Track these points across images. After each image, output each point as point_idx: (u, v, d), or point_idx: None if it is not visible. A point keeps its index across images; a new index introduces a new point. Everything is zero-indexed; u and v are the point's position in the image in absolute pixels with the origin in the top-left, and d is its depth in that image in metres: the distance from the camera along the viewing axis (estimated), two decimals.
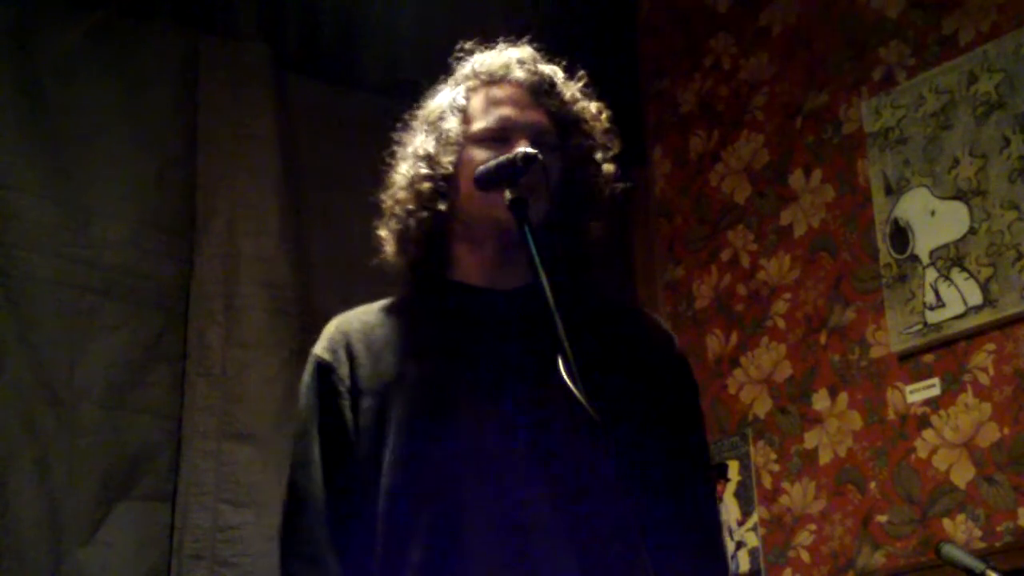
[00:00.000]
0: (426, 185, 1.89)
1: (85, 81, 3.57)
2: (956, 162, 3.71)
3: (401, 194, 1.92)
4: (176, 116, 3.72)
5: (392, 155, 1.98)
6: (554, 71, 1.98)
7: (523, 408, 1.81)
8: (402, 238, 1.92)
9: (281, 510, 1.92)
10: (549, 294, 1.68)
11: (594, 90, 2.00)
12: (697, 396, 1.97)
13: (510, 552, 1.74)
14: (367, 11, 4.12)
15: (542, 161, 1.81)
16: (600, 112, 1.99)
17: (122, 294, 3.46)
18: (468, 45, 2.02)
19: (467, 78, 1.97)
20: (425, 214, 1.89)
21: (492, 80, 1.94)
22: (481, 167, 1.85)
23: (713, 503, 1.93)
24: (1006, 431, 3.48)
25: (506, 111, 1.90)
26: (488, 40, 2.04)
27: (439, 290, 1.94)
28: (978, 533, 3.46)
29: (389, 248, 1.95)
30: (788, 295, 4.09)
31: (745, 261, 4.24)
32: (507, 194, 1.79)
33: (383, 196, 1.95)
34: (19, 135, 3.41)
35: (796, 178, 4.15)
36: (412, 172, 1.91)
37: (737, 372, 4.16)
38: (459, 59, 2.02)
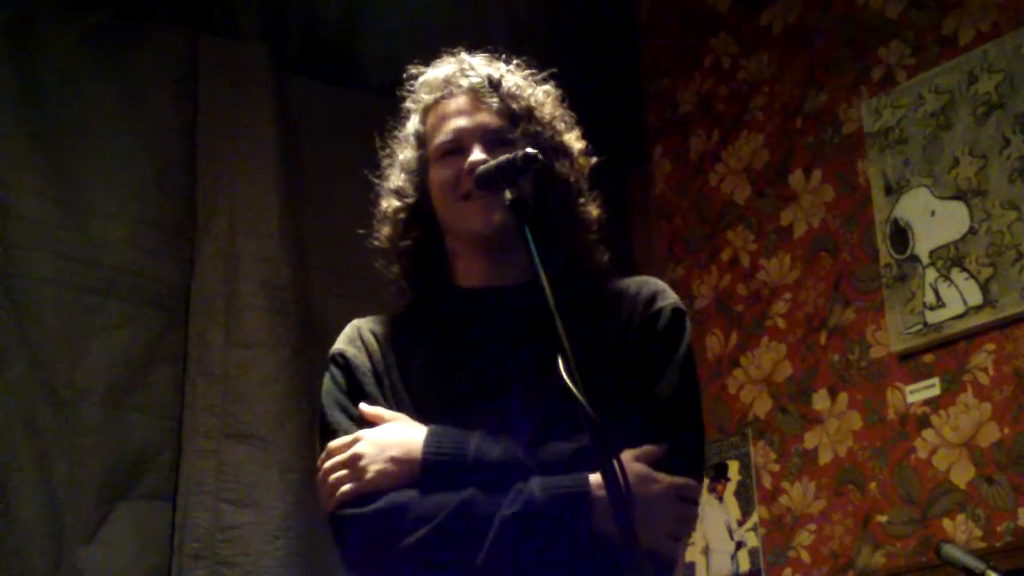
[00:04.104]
0: (401, 216, 2.00)
1: (85, 81, 3.57)
2: (956, 162, 3.71)
3: (385, 229, 2.02)
4: (176, 116, 3.72)
5: (379, 178, 2.07)
6: (496, 67, 2.02)
7: (523, 406, 1.83)
8: (399, 266, 2.01)
9: None
10: (549, 294, 1.68)
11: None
12: (674, 348, 1.92)
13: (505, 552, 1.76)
14: (367, 11, 4.12)
15: (542, 160, 1.83)
16: (548, 95, 2.03)
17: (122, 294, 3.47)
18: (414, 69, 2.07)
19: (417, 102, 2.03)
20: (407, 243, 1.99)
21: (440, 96, 1.99)
22: (482, 167, 1.87)
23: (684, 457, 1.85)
24: (1006, 431, 3.49)
25: (456, 122, 1.96)
26: (446, 51, 2.08)
27: (443, 296, 1.99)
28: (978, 533, 3.47)
29: (392, 272, 2.04)
30: (788, 295, 4.09)
31: (745, 261, 4.24)
32: (507, 194, 1.80)
33: (374, 233, 2.05)
34: (19, 135, 3.42)
35: (796, 178, 4.15)
36: (388, 206, 2.02)
37: (737, 372, 4.16)
38: (410, 84, 2.07)
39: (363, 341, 1.96)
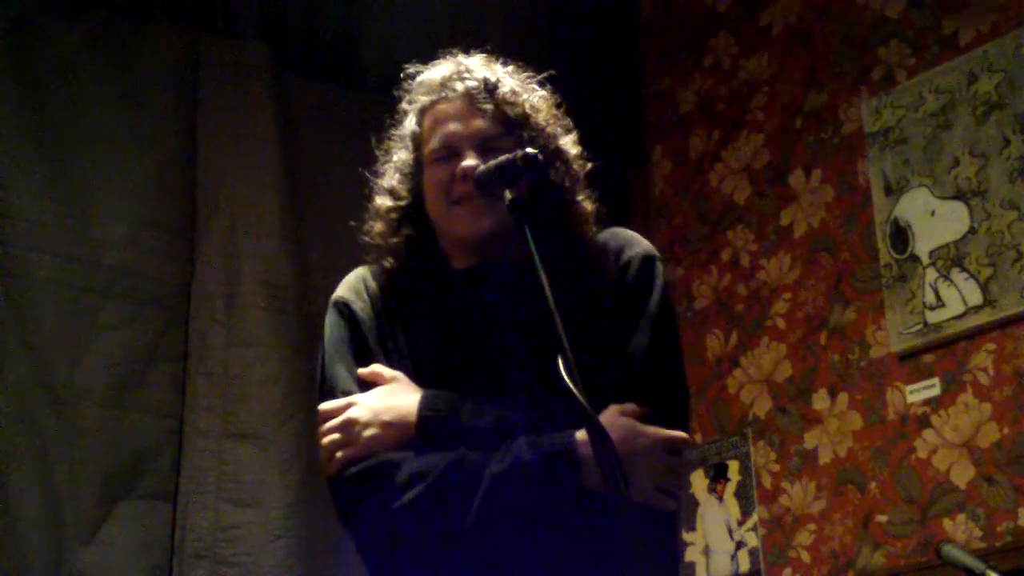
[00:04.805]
0: (392, 216, 2.01)
1: (85, 81, 3.58)
2: (956, 162, 3.71)
3: (377, 226, 2.03)
4: (176, 116, 3.72)
5: (375, 174, 2.09)
6: (493, 70, 2.02)
7: (518, 375, 1.86)
8: (392, 258, 2.02)
9: None
10: (549, 294, 1.69)
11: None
12: (646, 299, 1.91)
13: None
14: (367, 11, 4.12)
15: (542, 161, 1.84)
16: (544, 101, 2.03)
17: (122, 294, 3.47)
18: (412, 69, 2.08)
19: (414, 103, 2.04)
20: (397, 240, 2.01)
21: (436, 99, 2.00)
22: (482, 167, 1.88)
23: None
24: (1006, 431, 3.49)
25: (450, 127, 1.96)
26: (444, 52, 2.08)
27: (437, 274, 2.00)
28: (978, 533, 3.47)
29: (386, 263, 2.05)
30: (788, 295, 4.09)
31: (745, 261, 4.24)
32: (507, 194, 1.81)
33: (365, 228, 2.06)
34: (19, 135, 3.42)
35: (796, 178, 4.16)
36: (381, 204, 2.03)
37: (737, 372, 4.16)
38: (408, 84, 2.07)
39: (368, 294, 1.99)
